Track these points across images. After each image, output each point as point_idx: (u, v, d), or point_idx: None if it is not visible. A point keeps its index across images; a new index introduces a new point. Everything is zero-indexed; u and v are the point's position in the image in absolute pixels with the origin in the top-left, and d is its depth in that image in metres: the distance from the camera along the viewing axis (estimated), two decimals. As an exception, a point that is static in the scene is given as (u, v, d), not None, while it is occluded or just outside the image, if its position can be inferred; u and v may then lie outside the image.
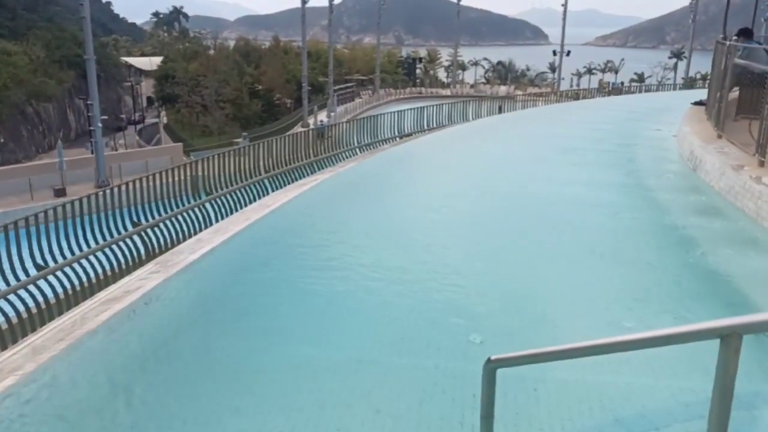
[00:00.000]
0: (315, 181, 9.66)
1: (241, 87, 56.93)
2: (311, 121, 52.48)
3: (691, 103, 13.76)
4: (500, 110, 32.06)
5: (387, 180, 10.31)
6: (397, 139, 21.36)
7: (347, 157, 18.34)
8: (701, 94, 15.26)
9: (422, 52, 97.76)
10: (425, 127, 25.01)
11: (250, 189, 15.20)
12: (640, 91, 60.87)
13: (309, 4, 54.63)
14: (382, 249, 6.65)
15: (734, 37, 11.99)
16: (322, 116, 53.34)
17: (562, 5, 76.00)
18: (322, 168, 16.43)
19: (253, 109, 57.99)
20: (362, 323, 4.99)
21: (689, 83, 72.25)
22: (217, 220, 11.94)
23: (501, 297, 5.45)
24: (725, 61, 10.86)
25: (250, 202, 12.84)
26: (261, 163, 17.04)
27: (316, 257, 6.42)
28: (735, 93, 11.07)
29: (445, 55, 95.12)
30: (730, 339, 2.06)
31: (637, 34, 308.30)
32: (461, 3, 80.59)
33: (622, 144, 12.35)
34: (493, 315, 5.13)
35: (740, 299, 5.37)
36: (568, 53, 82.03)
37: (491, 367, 3.04)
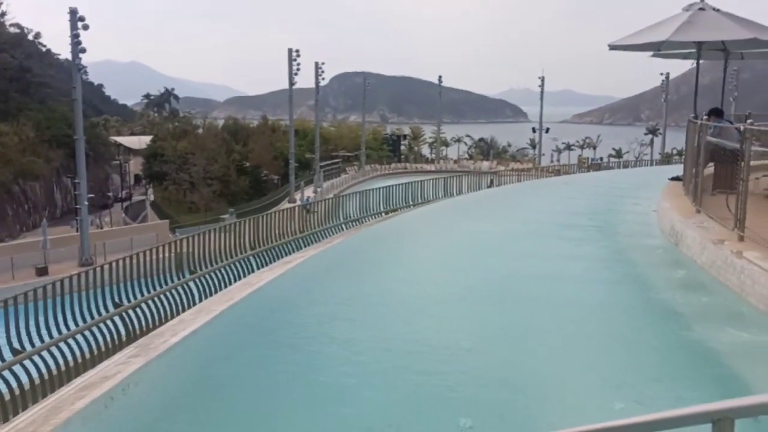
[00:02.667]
0: (300, 259, 9.63)
1: (229, 164, 57.66)
2: (298, 196, 52.92)
3: (669, 179, 14.07)
4: (491, 183, 32.80)
5: (372, 257, 10.30)
6: (383, 214, 21.58)
7: (334, 233, 18.39)
8: (678, 169, 15.67)
9: (406, 130, 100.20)
10: (410, 202, 25.29)
11: (235, 266, 15.10)
12: (619, 167, 62.27)
13: (296, 86, 56.29)
14: (367, 329, 6.55)
15: (705, 117, 12.45)
16: (309, 192, 53.85)
17: (539, 86, 79.11)
18: (309, 244, 16.43)
19: (241, 185, 58.51)
20: (348, 408, 4.85)
21: (666, 159, 74.21)
22: (200, 300, 11.78)
23: (488, 378, 5.35)
24: (698, 139, 11.23)
25: (236, 280, 12.73)
26: (246, 240, 17.00)
27: (298, 339, 6.30)
28: (710, 168, 11.39)
29: (428, 132, 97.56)
30: (722, 423, 2.03)
31: (613, 111, 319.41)
32: (443, 84, 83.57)
33: (604, 219, 12.51)
34: (482, 397, 5.02)
35: (730, 376, 5.32)
36: (547, 130, 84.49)
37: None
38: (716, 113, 12.69)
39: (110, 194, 62.75)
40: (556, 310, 7.10)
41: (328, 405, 4.91)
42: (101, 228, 44.25)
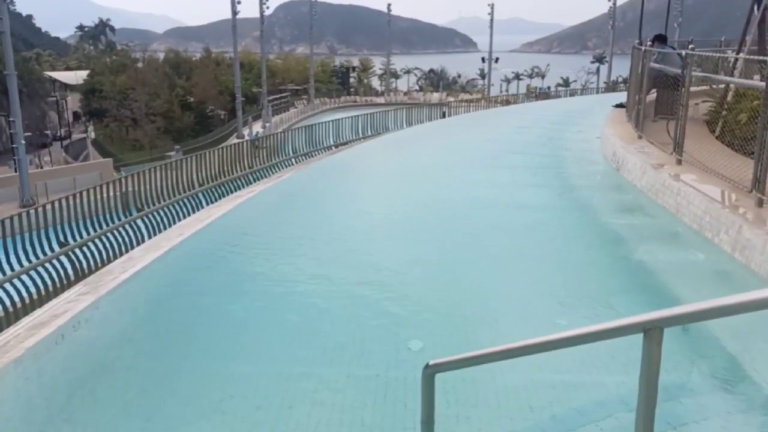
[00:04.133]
0: (251, 193, 9.53)
1: (173, 99, 55.61)
2: (246, 132, 51.78)
3: (613, 106, 14.36)
4: (444, 115, 32.72)
5: (323, 189, 10.29)
6: (333, 148, 21.35)
7: (284, 167, 18.17)
8: (622, 96, 15.95)
9: (355, 62, 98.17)
10: (360, 135, 25.09)
11: (184, 203, 14.81)
12: (566, 95, 62.99)
13: (240, 16, 54.01)
14: (318, 259, 6.63)
15: (649, 43, 12.61)
16: (257, 127, 52.71)
17: (489, 14, 78.14)
18: (259, 179, 16.22)
19: (186, 121, 56.72)
20: (301, 335, 4.96)
21: (612, 86, 75.30)
22: (149, 237, 11.58)
23: (438, 302, 5.52)
24: (641, 65, 11.41)
25: (184, 217, 12.54)
26: (195, 177, 16.66)
27: (250, 271, 6.34)
28: (653, 95, 11.65)
29: (377, 63, 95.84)
30: (652, 333, 2.16)
31: (561, 40, 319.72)
32: (392, 13, 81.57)
33: (549, 147, 12.77)
34: (431, 321, 5.19)
35: (665, 291, 5.64)
36: (497, 60, 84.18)
37: (429, 372, 3.06)
38: (660, 39, 12.86)
39: (48, 132, 59.92)
40: (503, 234, 7.32)
41: (283, 333, 5.01)
42: (41, 168, 42.50)
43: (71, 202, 12.26)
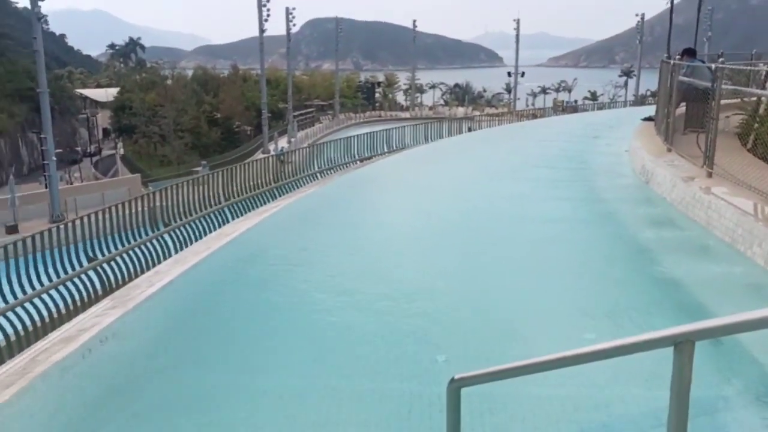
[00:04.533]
0: (276, 208, 9.59)
1: (200, 115, 56.54)
2: (272, 147, 52.31)
3: (641, 119, 14.18)
4: (470, 129, 32.63)
5: (348, 204, 10.30)
6: (358, 162, 21.44)
7: (309, 182, 18.28)
8: (650, 110, 15.74)
9: (380, 77, 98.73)
10: (386, 149, 25.17)
11: (211, 218, 14.96)
12: (593, 109, 62.42)
13: (267, 33, 54.81)
14: (342, 273, 6.61)
15: (677, 56, 12.46)
16: (283, 142, 53.25)
17: (515, 29, 78.10)
18: (284, 193, 16.34)
19: (213, 137, 57.57)
20: (326, 349, 4.93)
21: (640, 100, 74.50)
22: (176, 252, 11.71)
23: (462, 316, 5.45)
24: (670, 79, 11.26)
25: (211, 231, 12.66)
26: (221, 191, 16.85)
27: (275, 285, 6.34)
28: (682, 108, 11.47)
29: (403, 78, 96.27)
30: (683, 346, 2.09)
31: (588, 54, 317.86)
32: (416, 29, 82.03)
33: (579, 160, 12.62)
34: (455, 334, 5.13)
35: (696, 305, 5.50)
36: (523, 74, 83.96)
37: (455, 386, 3.02)
38: (689, 53, 12.71)
39: (78, 149, 61.32)
40: (533, 247, 7.23)
41: (309, 347, 4.98)
42: (71, 184, 43.42)
43: (100, 217, 12.46)
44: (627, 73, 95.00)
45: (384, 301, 5.79)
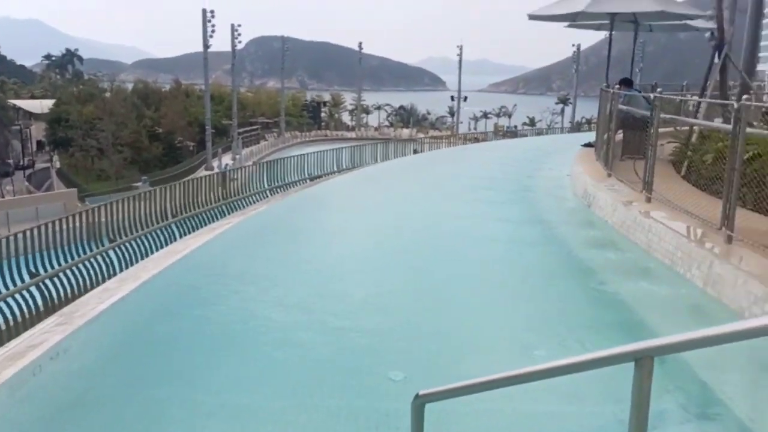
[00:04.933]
0: (227, 225, 9.49)
1: (140, 130, 55.13)
2: (215, 164, 51.49)
3: (581, 145, 14.79)
4: (415, 151, 33.04)
5: (299, 222, 10.29)
6: (308, 181, 21.39)
7: (258, 200, 18.11)
8: (588, 136, 16.42)
9: (326, 96, 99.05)
10: (335, 168, 25.23)
11: (157, 234, 14.61)
12: (533, 135, 64.35)
13: (211, 49, 54.22)
14: (294, 292, 6.60)
15: (616, 86, 13.12)
16: (227, 159, 52.50)
17: (458, 55, 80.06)
18: (232, 212, 16.13)
19: (154, 152, 56.20)
20: (278, 367, 4.91)
21: (576, 127, 77.22)
22: (121, 269, 11.38)
23: (416, 334, 5.56)
24: (609, 107, 11.84)
25: (157, 248, 12.37)
26: (168, 208, 16.48)
27: (228, 304, 6.28)
28: (620, 135, 12.07)
29: (348, 99, 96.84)
30: (643, 362, 2.23)
31: (526, 81, 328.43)
32: (363, 51, 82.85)
33: (522, 184, 13.04)
34: (412, 352, 5.22)
35: (639, 324, 5.78)
36: (465, 98, 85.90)
37: (419, 402, 3.08)
38: (626, 83, 13.40)
39: (10, 161, 58.58)
40: (481, 267, 7.42)
41: (260, 364, 4.96)
42: (2, 197, 41.46)
43: (42, 231, 12.00)
44: (563, 101, 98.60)
45: (336, 318, 5.83)
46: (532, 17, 13.60)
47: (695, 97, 12.68)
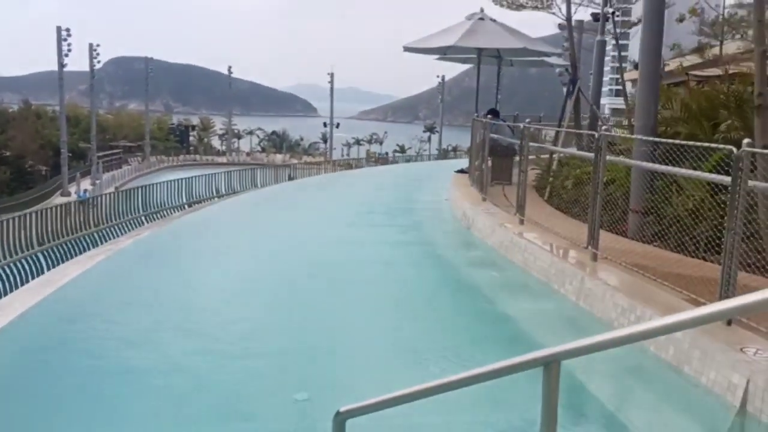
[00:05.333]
0: (103, 254, 8.95)
1: (-15, 153, 50.32)
2: (73, 189, 48.00)
3: (455, 171, 15.64)
4: (290, 177, 32.92)
5: (179, 250, 9.95)
6: (186, 207, 20.60)
7: (129, 229, 17.15)
8: (456, 163, 17.36)
9: (194, 120, 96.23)
10: (214, 194, 24.55)
11: (22, 264, 13.38)
12: (403, 161, 66.25)
13: (66, 68, 50.97)
14: (180, 322, 6.39)
15: (483, 116, 14.10)
16: (86, 184, 49.17)
17: (329, 82, 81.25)
18: (98, 242, 15.16)
19: (1, 177, 51.44)
20: (169, 405, 4.72)
21: (443, 154, 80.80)
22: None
23: (312, 355, 5.62)
24: (483, 135, 12.69)
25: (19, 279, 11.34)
26: (20, 238, 15.13)
27: (111, 337, 5.95)
28: (488, 162, 12.95)
29: (218, 123, 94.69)
30: (552, 366, 2.48)
31: (395, 110, 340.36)
32: (232, 75, 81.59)
33: (403, 208, 13.51)
34: (310, 373, 5.27)
35: (522, 337, 6.24)
36: (338, 125, 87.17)
37: (341, 419, 3.15)
38: (493, 113, 14.44)
39: None
40: (368, 289, 7.59)
41: (146, 398, 4.77)
42: None
43: None
44: (430, 129, 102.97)
45: (229, 345, 5.75)
46: (408, 49, 14.30)
47: (553, 127, 13.90)
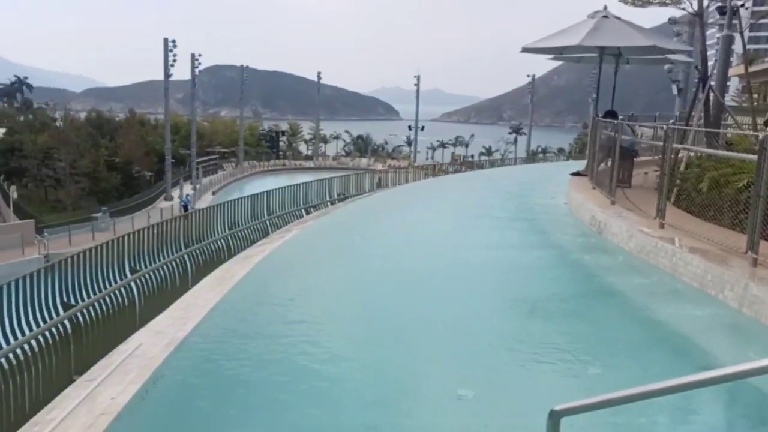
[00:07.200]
0: (262, 254, 9.46)
1: (98, 160, 53.95)
2: (175, 194, 50.68)
3: (570, 174, 15.33)
4: (379, 181, 33.11)
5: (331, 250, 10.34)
6: (329, 204, 21.44)
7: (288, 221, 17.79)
8: (551, 167, 16.85)
9: (282, 125, 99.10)
10: (327, 198, 25.31)
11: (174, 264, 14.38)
12: (492, 165, 63.82)
13: (161, 78, 54.00)
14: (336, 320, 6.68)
15: (602, 117, 13.77)
16: (188, 188, 51.75)
17: (415, 84, 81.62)
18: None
19: (112, 182, 55.07)
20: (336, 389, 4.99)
21: (531, 157, 78.98)
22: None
23: (457, 357, 5.70)
24: (604, 137, 12.40)
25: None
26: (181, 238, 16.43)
27: (286, 331, 6.30)
28: (607, 164, 12.60)
29: (305, 128, 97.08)
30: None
31: (478, 111, 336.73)
32: (320, 81, 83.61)
33: (521, 212, 13.35)
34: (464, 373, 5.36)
35: (685, 344, 6.09)
36: (423, 128, 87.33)
37: (557, 416, 3.20)
38: (612, 114, 14.06)
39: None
40: (509, 297, 7.51)
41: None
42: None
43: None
44: (516, 130, 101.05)
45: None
46: (526, 50, 14.16)
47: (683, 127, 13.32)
